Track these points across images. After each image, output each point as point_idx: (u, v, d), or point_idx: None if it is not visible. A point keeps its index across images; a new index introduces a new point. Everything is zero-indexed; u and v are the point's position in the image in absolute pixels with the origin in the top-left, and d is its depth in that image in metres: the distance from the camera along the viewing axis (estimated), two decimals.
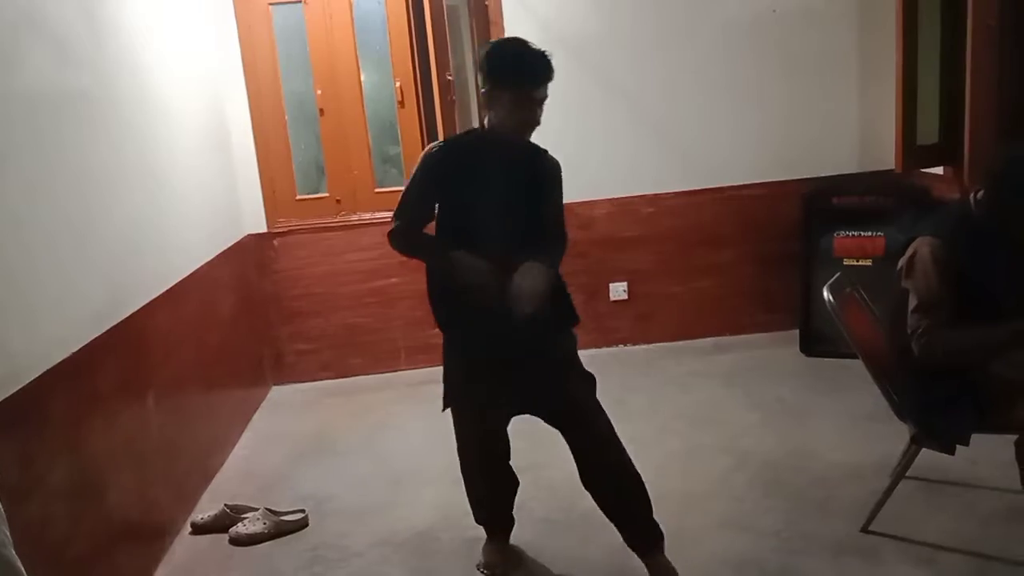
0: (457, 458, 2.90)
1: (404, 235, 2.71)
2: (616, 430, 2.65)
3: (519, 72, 2.48)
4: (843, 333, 2.85)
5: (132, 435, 2.95)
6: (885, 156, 4.35)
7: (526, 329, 2.46)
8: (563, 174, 2.66)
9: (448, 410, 2.85)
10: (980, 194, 2.54)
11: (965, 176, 3.75)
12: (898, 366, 2.69)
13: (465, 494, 2.92)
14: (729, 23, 4.63)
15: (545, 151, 2.67)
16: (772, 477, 3.28)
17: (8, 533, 1.55)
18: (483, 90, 2.54)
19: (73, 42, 2.81)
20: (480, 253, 2.53)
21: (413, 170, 2.68)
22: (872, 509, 2.83)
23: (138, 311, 3.07)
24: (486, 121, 2.59)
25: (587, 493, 2.73)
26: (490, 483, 2.90)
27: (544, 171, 2.65)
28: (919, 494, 3.02)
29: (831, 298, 2.86)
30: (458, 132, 3.04)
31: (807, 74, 4.70)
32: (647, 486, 2.68)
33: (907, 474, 2.83)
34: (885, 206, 4.30)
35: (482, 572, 2.86)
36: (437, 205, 2.65)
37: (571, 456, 2.81)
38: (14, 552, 1.56)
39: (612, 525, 2.73)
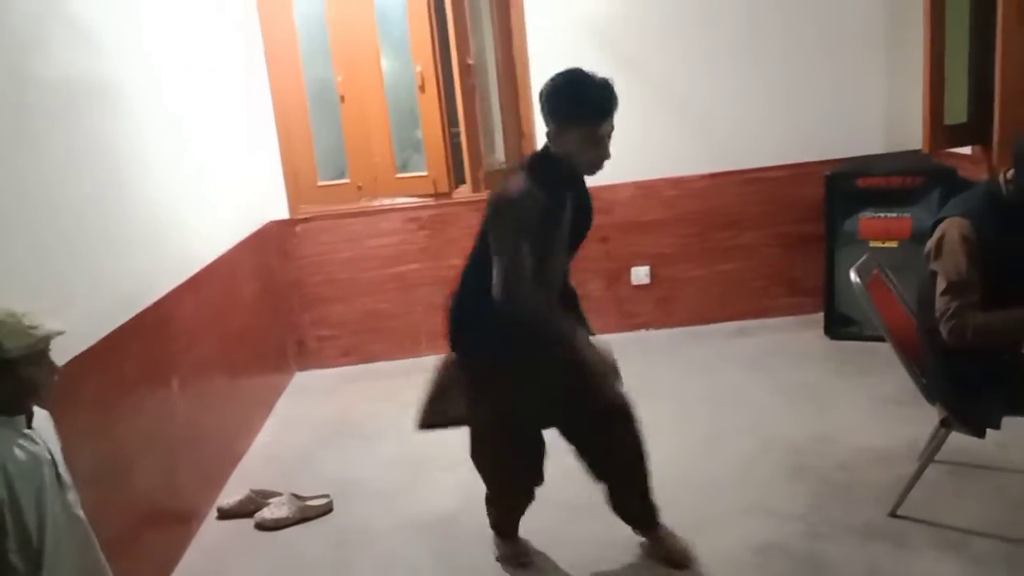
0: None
1: (534, 296, 2.38)
2: (637, 413, 2.67)
3: (585, 107, 2.35)
4: (870, 315, 2.82)
5: (158, 421, 2.98)
6: (911, 136, 4.28)
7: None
8: None
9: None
10: (1010, 173, 2.49)
11: (994, 156, 3.69)
12: (927, 348, 2.66)
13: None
14: (753, 4, 4.56)
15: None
16: (797, 461, 3.26)
17: (77, 496, 1.86)
18: (548, 129, 2.41)
19: (96, 30, 2.82)
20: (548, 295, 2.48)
21: (510, 213, 2.37)
22: (900, 494, 2.80)
23: (163, 298, 3.09)
24: (551, 151, 2.44)
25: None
26: (530, 488, 2.82)
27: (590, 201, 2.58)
28: (947, 478, 2.98)
29: (858, 280, 2.82)
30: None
31: (832, 54, 4.63)
32: (667, 468, 2.86)
33: (935, 458, 2.80)
34: (912, 187, 4.23)
35: (510, 564, 2.83)
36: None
37: None
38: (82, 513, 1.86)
39: None
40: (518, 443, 2.70)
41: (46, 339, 1.73)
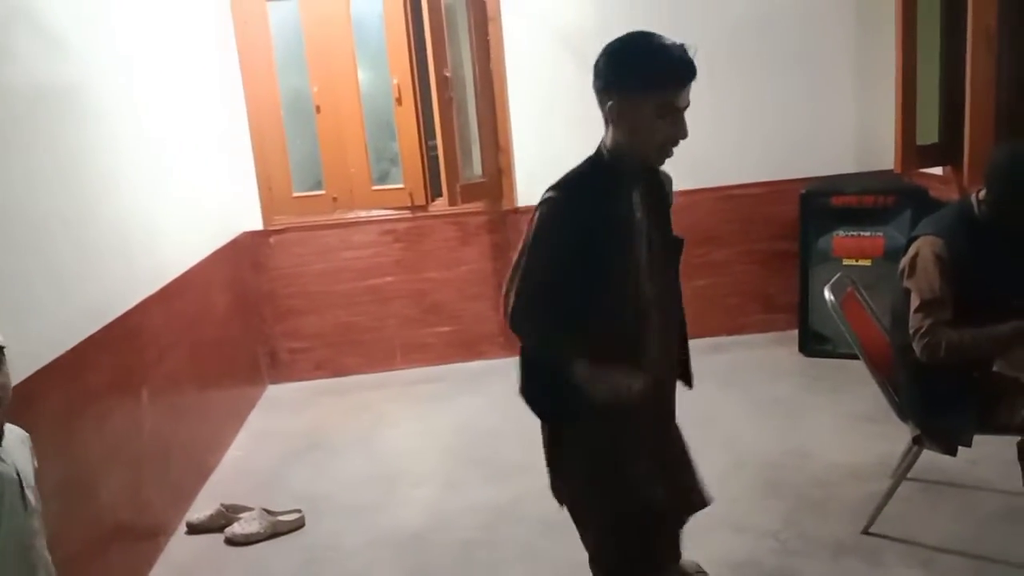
0: (450, 458, 2.76)
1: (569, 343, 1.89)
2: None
3: (664, 67, 1.87)
4: (844, 333, 2.84)
5: (126, 434, 2.93)
6: (884, 156, 4.33)
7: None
8: (555, 176, 1.99)
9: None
10: (982, 193, 2.53)
11: (965, 176, 3.74)
12: (899, 366, 2.68)
13: (459, 496, 2.87)
14: (728, 21, 4.61)
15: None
16: (771, 477, 3.26)
17: (41, 523, 1.75)
18: (610, 103, 1.93)
19: (66, 37, 2.78)
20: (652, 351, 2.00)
21: (535, 234, 1.88)
22: (873, 510, 2.81)
23: (132, 309, 3.04)
24: (608, 144, 1.98)
25: None
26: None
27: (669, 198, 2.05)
28: (919, 495, 3.00)
29: (832, 298, 2.84)
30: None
31: (806, 73, 4.69)
32: None
33: (907, 475, 2.82)
34: (884, 206, 4.29)
35: None
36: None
37: None
38: (43, 540, 1.75)
39: None
40: (659, 528, 2.14)
41: None
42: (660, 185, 2.08)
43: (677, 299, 2.14)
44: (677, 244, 2.10)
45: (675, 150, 1.95)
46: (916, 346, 2.49)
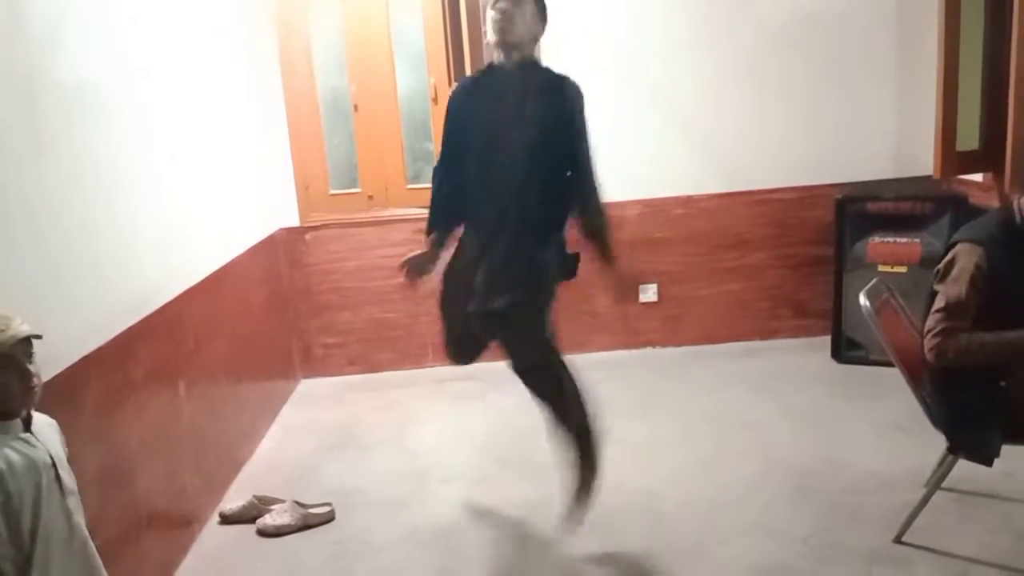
0: (480, 456, 2.97)
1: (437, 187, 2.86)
2: (632, 426, 2.88)
3: None
4: (879, 340, 2.81)
5: (163, 424, 2.98)
6: (922, 162, 4.28)
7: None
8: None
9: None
10: (1023, 201, 2.49)
11: (1007, 183, 3.68)
12: (927, 375, 2.65)
13: (489, 493, 3.01)
14: (765, 24, 4.58)
15: (565, 77, 2.64)
16: (801, 484, 3.24)
17: (79, 503, 1.80)
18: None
19: (110, 34, 2.83)
20: (489, 211, 2.65)
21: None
22: (905, 520, 2.78)
23: (172, 301, 3.10)
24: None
25: (609, 496, 2.93)
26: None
27: (563, 105, 2.58)
28: (952, 505, 2.96)
29: (868, 304, 2.81)
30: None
31: (844, 77, 4.65)
32: (671, 487, 2.96)
33: (941, 485, 2.78)
34: (922, 212, 4.23)
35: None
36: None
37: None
38: (83, 520, 1.80)
39: (635, 528, 2.86)
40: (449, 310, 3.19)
41: (10, 343, 1.63)
42: (545, 92, 2.77)
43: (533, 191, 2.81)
44: (532, 141, 2.78)
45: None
46: (926, 343, 2.48)
